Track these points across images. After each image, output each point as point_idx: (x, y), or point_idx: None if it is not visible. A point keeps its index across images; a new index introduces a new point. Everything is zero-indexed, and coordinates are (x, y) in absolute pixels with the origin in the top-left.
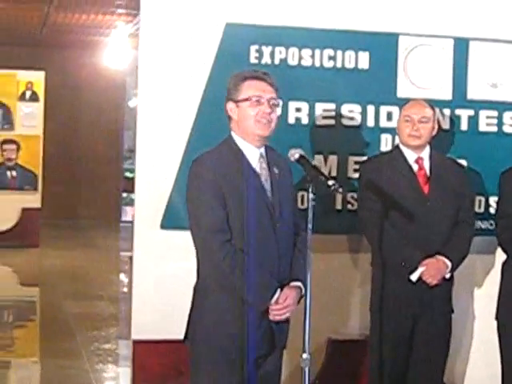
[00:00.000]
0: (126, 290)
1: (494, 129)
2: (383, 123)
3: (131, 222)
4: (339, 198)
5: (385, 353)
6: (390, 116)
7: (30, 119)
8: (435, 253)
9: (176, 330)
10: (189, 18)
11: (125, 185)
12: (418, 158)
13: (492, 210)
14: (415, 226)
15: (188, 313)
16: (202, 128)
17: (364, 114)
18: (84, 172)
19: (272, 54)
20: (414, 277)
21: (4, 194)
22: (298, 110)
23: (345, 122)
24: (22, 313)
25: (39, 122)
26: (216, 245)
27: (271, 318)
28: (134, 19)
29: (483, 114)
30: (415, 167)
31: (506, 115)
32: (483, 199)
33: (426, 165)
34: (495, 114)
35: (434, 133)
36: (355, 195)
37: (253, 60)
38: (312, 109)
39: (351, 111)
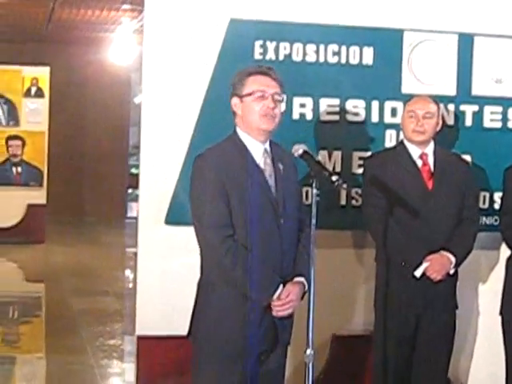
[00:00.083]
0: (131, 286)
1: (499, 124)
2: (388, 119)
3: (136, 218)
4: (344, 193)
5: (389, 349)
6: (394, 112)
7: (35, 115)
8: (439, 248)
9: (180, 325)
10: (193, 13)
11: (130, 181)
12: (422, 153)
13: (496, 206)
14: (419, 221)
15: (192, 309)
16: (206, 124)
17: (368, 109)
18: (89, 168)
19: (276, 50)
20: (418, 272)
21: (9, 190)
22: (303, 105)
23: (349, 117)
24: (28, 309)
25: (44, 118)
26: (218, 240)
27: (274, 313)
28: (139, 15)
29: (488, 109)
30: (419, 163)
31: (511, 111)
32: (488, 195)
33: (431, 160)
34: (500, 109)
35: (439, 128)
36: (359, 191)
37: (257, 56)
38: (316, 104)
39: (356, 107)
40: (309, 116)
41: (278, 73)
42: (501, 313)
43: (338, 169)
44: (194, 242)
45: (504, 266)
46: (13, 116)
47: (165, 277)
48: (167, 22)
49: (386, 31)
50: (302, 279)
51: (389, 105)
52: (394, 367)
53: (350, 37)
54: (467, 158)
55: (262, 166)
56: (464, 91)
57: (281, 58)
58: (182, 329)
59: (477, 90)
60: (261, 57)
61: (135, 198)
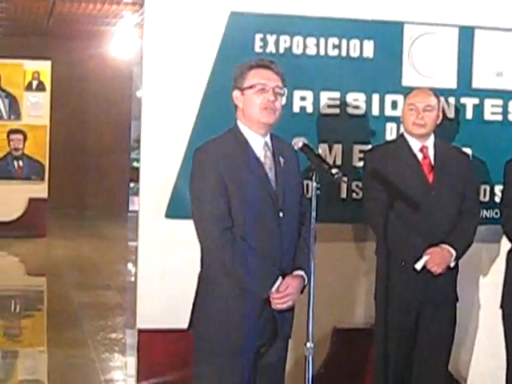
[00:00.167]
0: (132, 279)
1: (499, 117)
2: (388, 112)
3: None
4: (344, 186)
5: (390, 342)
6: (394, 105)
7: (36, 109)
8: (440, 242)
9: (181, 319)
10: (193, 6)
11: (132, 175)
12: (423, 146)
13: (497, 199)
14: (419, 215)
15: (192, 301)
16: (207, 117)
17: (369, 102)
18: (91, 162)
19: (277, 43)
20: (418, 265)
21: (11, 184)
22: (303, 98)
23: (350, 110)
24: (29, 303)
25: (46, 112)
26: (216, 232)
27: (273, 306)
28: (141, 9)
29: (488, 102)
30: (420, 156)
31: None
32: (488, 188)
33: (431, 153)
34: (500, 102)
35: (439, 121)
36: (360, 184)
37: (257, 49)
38: (317, 98)
39: (356, 100)
40: (309, 109)
41: (280, 66)
42: (501, 306)
43: (338, 162)
44: (194, 236)
45: (504, 259)
46: (14, 110)
47: (165, 270)
48: (167, 15)
49: (386, 24)
50: (301, 272)
51: (389, 98)
52: (394, 360)
53: (351, 30)
54: (468, 150)
55: (262, 159)
56: (464, 84)
57: (281, 51)
58: (183, 322)
59: (477, 82)
60: (261, 50)
61: (137, 192)
